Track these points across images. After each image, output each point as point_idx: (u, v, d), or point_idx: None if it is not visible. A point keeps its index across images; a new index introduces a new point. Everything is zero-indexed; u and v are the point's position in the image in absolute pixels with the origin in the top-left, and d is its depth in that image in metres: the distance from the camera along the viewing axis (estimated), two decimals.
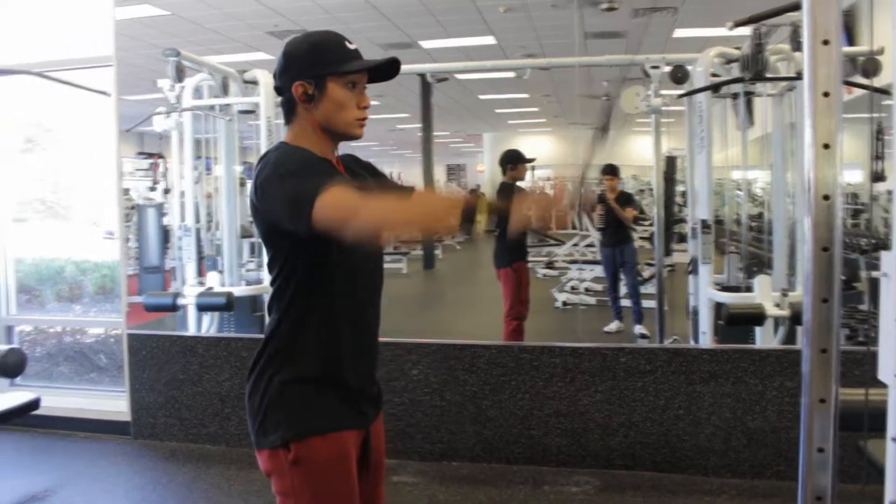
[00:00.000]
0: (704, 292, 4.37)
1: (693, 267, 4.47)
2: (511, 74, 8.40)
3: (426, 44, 8.54)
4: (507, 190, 5.32)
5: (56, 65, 4.62)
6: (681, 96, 4.54)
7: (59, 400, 4.71)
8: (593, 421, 3.89)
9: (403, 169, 14.46)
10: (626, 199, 6.37)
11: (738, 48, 4.29)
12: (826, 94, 1.29)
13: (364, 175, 1.85)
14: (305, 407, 1.69)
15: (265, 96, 4.90)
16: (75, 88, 4.42)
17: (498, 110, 12.75)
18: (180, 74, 4.68)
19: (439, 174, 13.43)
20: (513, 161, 5.28)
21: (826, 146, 1.29)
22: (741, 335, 4.27)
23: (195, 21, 6.57)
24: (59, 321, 5.19)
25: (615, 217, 6.24)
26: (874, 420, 1.39)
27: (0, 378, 3.58)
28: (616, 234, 6.38)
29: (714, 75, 4.43)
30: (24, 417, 4.10)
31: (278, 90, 1.72)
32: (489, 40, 7.98)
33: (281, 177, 1.55)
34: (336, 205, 1.44)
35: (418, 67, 7.01)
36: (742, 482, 3.67)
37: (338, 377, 1.71)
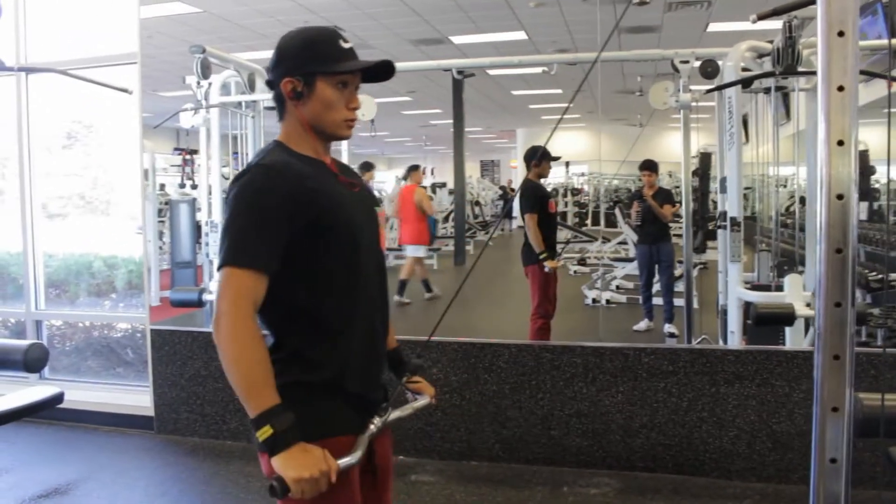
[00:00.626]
0: (733, 291, 4.27)
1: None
2: (543, 69, 8.33)
3: (457, 39, 8.50)
4: (531, 191, 5.24)
5: (82, 63, 4.67)
6: (709, 91, 4.44)
7: (86, 394, 4.78)
8: (614, 422, 3.82)
9: (437, 164, 14.41)
10: (664, 195, 6.23)
11: (770, 42, 4.18)
12: (841, 89, 1.22)
13: (360, 184, 1.82)
14: (304, 411, 1.65)
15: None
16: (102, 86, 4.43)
17: (531, 106, 12.65)
18: (206, 71, 4.69)
19: (472, 170, 13.35)
20: (539, 158, 5.22)
21: (840, 143, 1.23)
22: (770, 336, 4.17)
23: (226, 17, 6.60)
24: (84, 316, 5.24)
25: (653, 214, 6.09)
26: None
27: (24, 372, 3.57)
28: (654, 231, 6.23)
29: (745, 70, 4.32)
30: (50, 410, 4.16)
31: (270, 84, 1.69)
32: (520, 35, 7.92)
33: (234, 215, 1.55)
34: (220, 294, 1.50)
35: (445, 63, 6.96)
36: (767, 486, 3.58)
37: (338, 382, 1.67)
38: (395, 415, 1.77)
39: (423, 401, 1.92)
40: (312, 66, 1.63)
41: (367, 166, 8.05)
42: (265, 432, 1.45)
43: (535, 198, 5.22)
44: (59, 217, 5.54)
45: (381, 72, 1.70)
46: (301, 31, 1.67)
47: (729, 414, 3.67)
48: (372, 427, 1.68)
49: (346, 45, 1.66)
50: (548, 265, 5.10)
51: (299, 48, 1.64)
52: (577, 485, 3.69)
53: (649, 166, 6.25)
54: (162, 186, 7.54)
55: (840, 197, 1.24)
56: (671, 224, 6.57)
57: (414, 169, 8.42)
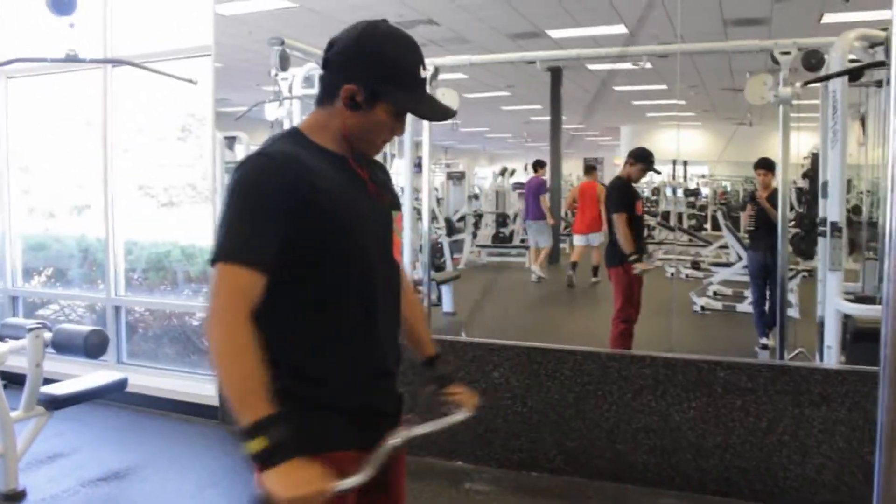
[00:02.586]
0: (831, 302, 3.90)
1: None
2: (646, 64, 8.00)
3: (554, 33, 8.27)
4: (625, 185, 4.98)
5: (161, 55, 4.77)
6: (808, 83, 4.07)
7: (158, 380, 4.89)
8: (685, 439, 3.53)
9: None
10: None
11: (884, 30, 3.78)
12: None
13: (386, 182, 1.70)
14: (298, 425, 1.53)
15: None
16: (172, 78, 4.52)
17: (634, 102, 12.21)
18: (285, 63, 4.70)
19: (572, 168, 13.03)
20: (636, 160, 4.96)
21: None
22: (873, 354, 3.76)
23: (322, 12, 6.64)
24: (159, 304, 5.36)
25: (767, 218, 5.44)
26: None
27: (85, 357, 3.67)
28: (768, 236, 5.66)
29: (854, 61, 3.93)
30: (123, 394, 4.27)
31: (329, 67, 1.53)
32: (619, 29, 7.61)
33: (229, 207, 1.43)
34: (213, 292, 1.38)
35: (530, 55, 6.76)
36: None
37: (336, 396, 1.54)
38: (424, 429, 1.63)
39: (458, 416, 1.75)
40: (384, 87, 1.49)
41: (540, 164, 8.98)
42: (258, 444, 1.31)
43: (625, 197, 4.96)
44: (174, 206, 5.71)
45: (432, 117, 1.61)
46: (388, 36, 1.51)
47: (814, 439, 3.32)
48: (389, 444, 1.54)
49: (423, 74, 1.53)
50: (638, 267, 4.82)
51: (379, 61, 1.49)
52: None
53: (765, 165, 5.67)
54: None
55: None
56: (789, 229, 6.03)
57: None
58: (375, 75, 1.48)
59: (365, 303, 1.55)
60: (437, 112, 1.57)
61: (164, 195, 5.72)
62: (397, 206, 1.71)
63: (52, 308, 5.79)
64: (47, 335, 3.64)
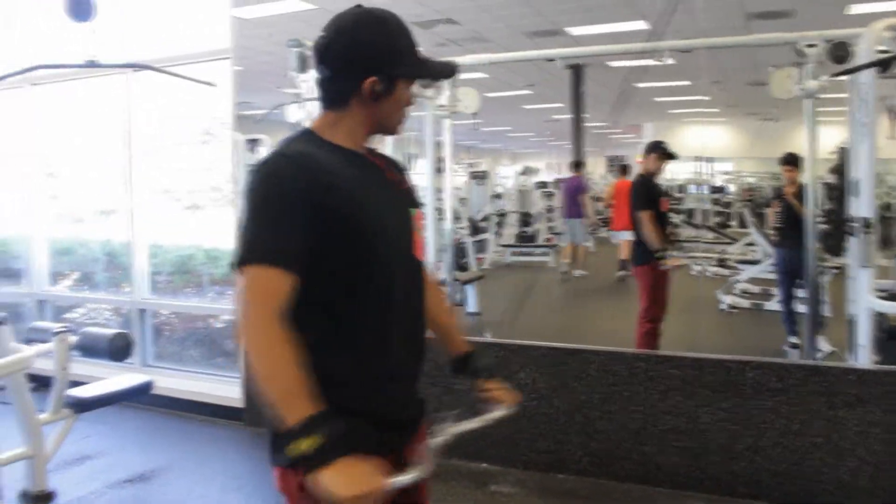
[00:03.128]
0: (863, 300, 3.81)
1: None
2: (668, 60, 7.92)
3: (573, 31, 8.21)
4: (648, 182, 4.93)
5: (180, 59, 4.78)
6: (835, 75, 3.98)
7: (184, 382, 4.91)
8: (714, 441, 3.47)
9: (560, 159, 14.11)
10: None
11: None
12: None
13: (403, 179, 1.68)
14: None
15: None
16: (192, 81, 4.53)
17: (656, 99, 12.10)
18: (303, 64, 4.68)
19: (595, 165, 12.96)
20: (649, 150, 4.91)
21: None
22: None
23: (337, 10, 6.68)
24: (184, 306, 5.38)
25: (794, 214, 5.31)
26: None
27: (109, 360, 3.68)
28: (795, 233, 5.55)
29: (883, 52, 3.84)
30: (149, 397, 4.29)
31: (334, 73, 1.52)
32: (640, 25, 7.54)
33: (252, 208, 1.42)
34: (244, 297, 1.36)
35: (549, 53, 6.70)
36: None
37: (357, 397, 1.52)
38: (467, 426, 1.60)
39: (498, 412, 1.73)
40: (399, 68, 1.52)
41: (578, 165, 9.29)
42: (309, 443, 1.27)
43: (649, 193, 4.91)
44: (198, 209, 5.74)
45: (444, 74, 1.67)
46: (379, 19, 1.52)
47: (848, 441, 3.25)
48: (437, 440, 1.52)
49: (414, 40, 1.57)
50: (666, 263, 4.76)
51: (387, 44, 1.51)
52: None
53: (791, 160, 5.55)
54: None
55: None
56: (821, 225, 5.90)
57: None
58: (386, 61, 1.50)
59: (383, 302, 1.53)
60: (445, 69, 1.63)
61: (187, 198, 5.75)
62: (416, 203, 1.69)
63: (80, 311, 5.85)
64: (73, 338, 3.65)
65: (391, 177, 1.63)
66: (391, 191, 1.61)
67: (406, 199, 1.66)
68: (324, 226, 1.42)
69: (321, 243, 1.43)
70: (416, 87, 1.61)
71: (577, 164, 9.57)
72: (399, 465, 1.59)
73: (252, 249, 1.37)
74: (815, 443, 3.29)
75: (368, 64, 1.49)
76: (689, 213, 10.97)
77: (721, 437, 3.46)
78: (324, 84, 1.54)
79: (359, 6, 1.55)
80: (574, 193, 8.96)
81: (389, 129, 1.60)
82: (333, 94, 1.54)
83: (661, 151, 4.94)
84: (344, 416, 1.49)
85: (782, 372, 3.36)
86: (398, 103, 1.55)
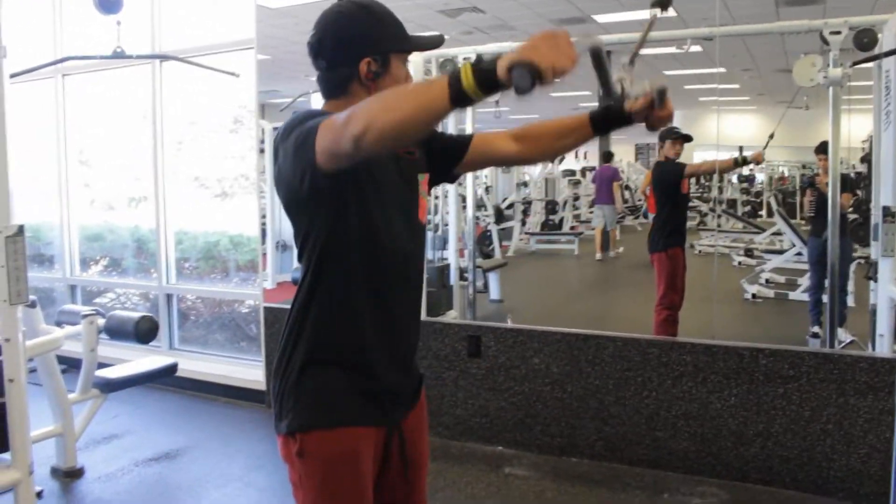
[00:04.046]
0: (884, 289, 3.79)
1: (873, 271, 3.88)
2: (697, 48, 7.86)
3: (600, 18, 8.17)
4: (665, 168, 4.95)
5: (206, 49, 4.88)
6: (857, 63, 3.94)
7: (208, 365, 5.04)
8: (726, 427, 3.50)
9: (588, 147, 13.99)
10: (843, 182, 5.51)
11: None
12: None
13: (413, 150, 1.73)
14: (315, 397, 1.58)
15: (414, 75, 4.86)
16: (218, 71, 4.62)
17: (686, 87, 11.96)
18: None
19: (622, 154, 12.88)
20: (663, 137, 4.91)
21: None
22: None
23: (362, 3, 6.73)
24: (208, 291, 5.50)
25: (827, 203, 5.35)
26: None
27: (136, 343, 3.81)
28: (828, 222, 5.47)
29: None
30: (175, 379, 4.43)
31: (330, 63, 1.58)
32: (668, 12, 7.44)
33: (291, 130, 1.46)
34: (330, 125, 1.33)
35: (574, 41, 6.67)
36: None
37: (354, 364, 1.59)
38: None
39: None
40: (390, 44, 1.58)
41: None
42: (468, 71, 1.21)
43: (669, 177, 4.93)
44: (228, 196, 5.84)
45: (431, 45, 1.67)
46: (361, 7, 1.59)
47: (859, 429, 3.25)
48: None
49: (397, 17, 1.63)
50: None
51: (374, 26, 1.58)
52: (679, 492, 3.41)
53: (826, 149, 5.48)
54: None
55: None
56: (851, 215, 5.82)
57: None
58: (377, 39, 1.57)
59: (390, 259, 1.59)
60: (433, 40, 1.65)
61: (216, 186, 5.85)
62: (424, 169, 1.74)
63: (109, 296, 6.00)
64: (101, 321, 3.78)
65: (400, 151, 1.68)
66: (401, 162, 1.66)
67: (414, 166, 1.71)
68: (335, 188, 1.47)
69: (331, 206, 1.49)
70: (406, 68, 1.64)
71: (608, 155, 9.80)
72: (397, 438, 1.67)
73: (315, 123, 1.36)
74: (826, 430, 3.31)
75: (360, 47, 1.55)
76: (717, 202, 10.86)
77: (733, 422, 3.48)
78: (323, 77, 1.61)
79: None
80: (607, 181, 9.33)
81: None
82: (334, 84, 1.60)
83: (674, 136, 4.95)
84: (347, 385, 1.57)
85: (795, 359, 3.37)
86: (396, 80, 1.59)
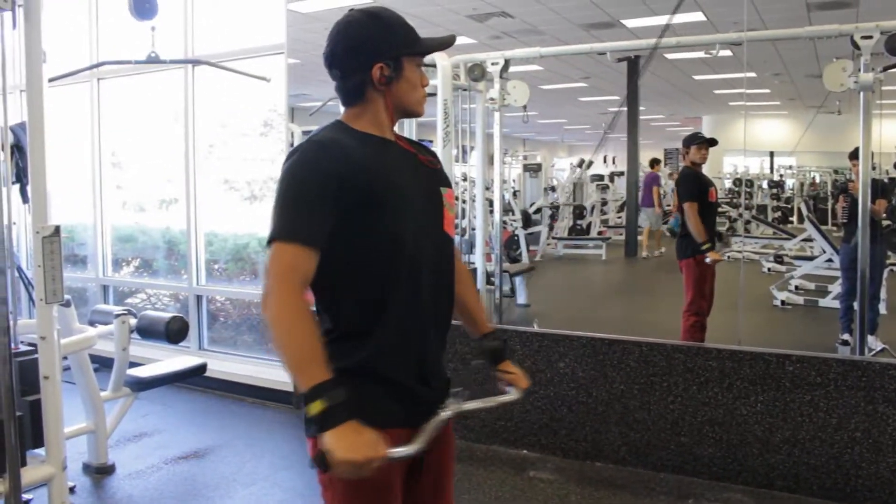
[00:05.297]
0: None
1: None
2: (727, 53, 7.81)
3: (630, 23, 8.15)
4: (688, 179, 4.91)
5: (237, 54, 4.96)
6: (888, 68, 3.90)
7: (237, 366, 5.12)
8: (752, 433, 3.48)
9: (617, 152, 13.96)
10: (876, 188, 5.44)
11: None
12: None
13: (434, 160, 1.77)
14: (349, 402, 1.61)
15: (442, 79, 4.88)
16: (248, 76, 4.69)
17: (716, 91, 11.87)
18: None
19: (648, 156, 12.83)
20: (687, 143, 4.89)
21: None
22: None
23: (395, 7, 6.77)
24: (237, 293, 5.57)
25: None
26: None
27: (167, 342, 3.88)
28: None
29: None
30: (205, 379, 4.50)
31: (344, 72, 1.63)
32: (698, 17, 7.44)
33: (282, 190, 1.53)
34: (268, 270, 1.46)
35: (600, 46, 6.66)
36: None
37: (385, 370, 1.61)
38: (473, 405, 1.67)
39: (508, 396, 1.80)
40: (400, 48, 1.62)
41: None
42: (316, 407, 1.38)
43: (695, 185, 4.88)
44: (257, 199, 5.92)
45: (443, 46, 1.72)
46: (370, 15, 1.63)
47: (889, 437, 3.22)
48: (439, 417, 1.59)
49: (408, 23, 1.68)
50: (710, 257, 4.73)
51: (383, 32, 1.62)
52: (704, 498, 3.40)
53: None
54: None
55: None
56: (884, 221, 5.73)
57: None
58: (388, 44, 1.61)
59: (410, 279, 1.60)
60: (444, 41, 1.69)
61: (246, 189, 5.93)
62: (447, 182, 1.77)
63: (140, 297, 6.11)
64: (132, 321, 3.86)
65: (422, 159, 1.73)
66: (421, 171, 1.70)
67: (437, 178, 1.74)
68: (358, 203, 1.52)
69: (351, 221, 1.52)
70: (421, 72, 1.69)
71: (654, 161, 10.35)
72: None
73: (280, 227, 1.48)
74: (854, 438, 3.28)
75: (371, 53, 1.60)
76: (749, 207, 10.76)
77: (758, 429, 3.46)
78: (339, 86, 1.66)
79: (351, 9, 1.66)
80: (649, 185, 9.94)
81: (410, 109, 1.69)
82: (350, 91, 1.65)
83: (699, 141, 4.92)
84: (378, 389, 1.60)
85: (822, 366, 3.35)
86: (410, 83, 1.64)
